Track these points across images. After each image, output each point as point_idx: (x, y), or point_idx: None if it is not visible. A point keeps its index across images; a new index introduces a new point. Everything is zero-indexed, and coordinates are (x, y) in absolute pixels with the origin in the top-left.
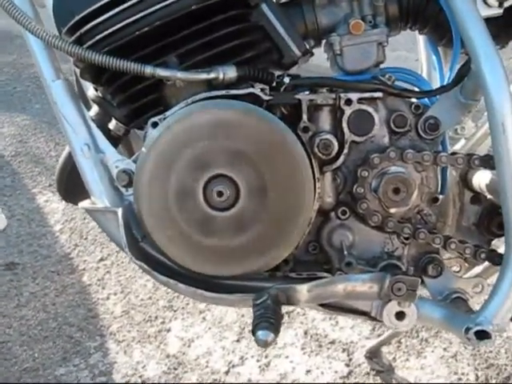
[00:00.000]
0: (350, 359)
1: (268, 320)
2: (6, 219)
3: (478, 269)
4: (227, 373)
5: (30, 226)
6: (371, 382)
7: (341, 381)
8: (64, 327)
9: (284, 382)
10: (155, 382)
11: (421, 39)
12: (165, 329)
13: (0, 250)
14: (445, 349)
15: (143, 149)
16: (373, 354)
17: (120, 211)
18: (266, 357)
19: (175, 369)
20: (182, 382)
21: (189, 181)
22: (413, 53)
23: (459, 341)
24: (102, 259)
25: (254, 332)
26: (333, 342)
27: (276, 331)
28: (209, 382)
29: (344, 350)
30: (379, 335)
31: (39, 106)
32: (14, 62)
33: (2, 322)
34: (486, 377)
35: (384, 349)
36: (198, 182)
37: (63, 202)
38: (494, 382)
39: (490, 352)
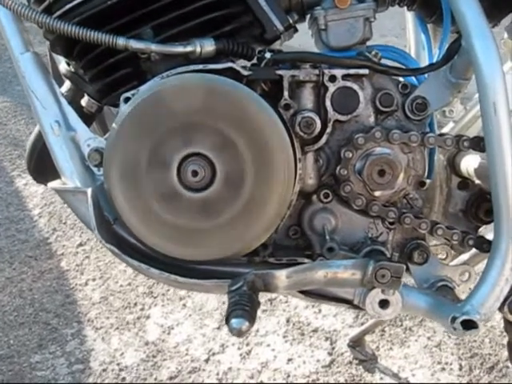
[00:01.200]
0: (333, 348)
1: (243, 307)
2: None
3: (464, 256)
4: (207, 361)
5: (7, 209)
6: (354, 371)
7: (323, 370)
8: (40, 313)
9: (265, 370)
10: (133, 369)
11: (409, 16)
12: (144, 315)
13: None
14: (429, 338)
15: (114, 125)
16: (356, 343)
17: (89, 191)
18: (247, 345)
19: (154, 356)
20: (160, 369)
21: (161, 158)
22: (402, 39)
23: (443, 330)
24: (81, 244)
25: (227, 320)
26: (315, 330)
27: (251, 319)
28: (188, 370)
29: (327, 339)
30: (362, 323)
31: (20, 88)
32: None
33: None
34: (469, 366)
35: (367, 337)
36: (171, 160)
37: (42, 185)
38: (477, 371)
39: (474, 341)
